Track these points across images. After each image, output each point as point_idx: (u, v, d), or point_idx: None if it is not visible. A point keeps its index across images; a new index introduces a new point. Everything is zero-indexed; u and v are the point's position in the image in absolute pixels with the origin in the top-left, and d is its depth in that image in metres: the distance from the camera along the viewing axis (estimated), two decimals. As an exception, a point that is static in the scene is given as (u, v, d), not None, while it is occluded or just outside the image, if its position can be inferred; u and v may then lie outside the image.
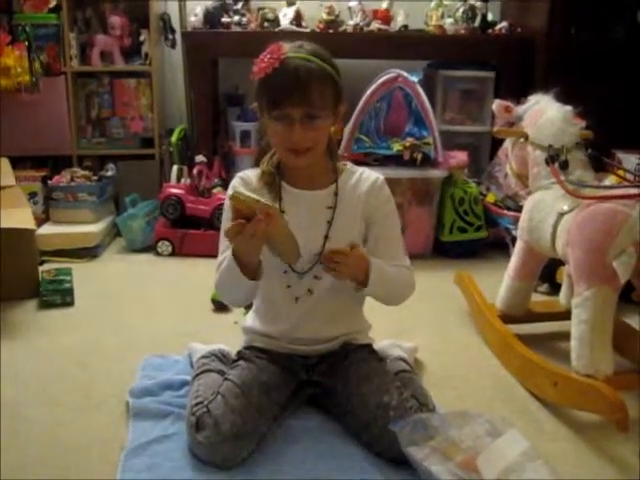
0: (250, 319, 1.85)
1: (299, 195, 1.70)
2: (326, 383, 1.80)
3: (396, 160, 3.14)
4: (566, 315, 2.29)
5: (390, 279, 1.68)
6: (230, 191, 1.70)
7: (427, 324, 2.46)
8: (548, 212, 2.07)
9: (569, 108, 2.19)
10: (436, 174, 3.17)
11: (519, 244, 2.29)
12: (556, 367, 1.93)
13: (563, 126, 2.14)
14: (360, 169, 1.78)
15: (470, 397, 1.98)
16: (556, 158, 2.08)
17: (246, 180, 1.72)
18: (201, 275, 2.93)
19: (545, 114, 2.18)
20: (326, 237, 1.68)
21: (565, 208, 2.00)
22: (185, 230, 3.25)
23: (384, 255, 1.69)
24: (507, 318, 2.33)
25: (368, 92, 3.11)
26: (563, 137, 2.12)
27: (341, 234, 1.68)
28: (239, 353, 1.82)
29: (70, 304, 2.62)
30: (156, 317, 2.52)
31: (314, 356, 1.81)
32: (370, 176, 1.75)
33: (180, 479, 1.54)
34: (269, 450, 1.64)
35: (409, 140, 3.11)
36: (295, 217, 1.64)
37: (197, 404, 1.64)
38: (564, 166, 2.07)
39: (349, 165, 1.78)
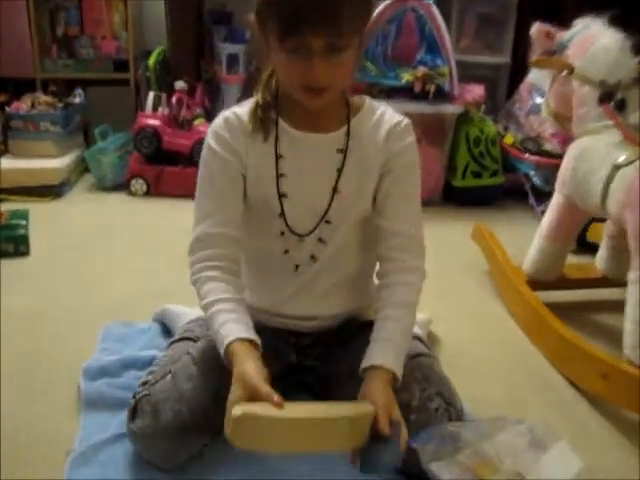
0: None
1: (301, 138, 1.32)
2: (322, 370, 1.46)
3: (405, 92, 2.79)
4: (603, 282, 2.06)
5: (408, 338, 1.32)
6: (212, 142, 1.30)
7: (440, 287, 2.10)
8: (599, 163, 1.71)
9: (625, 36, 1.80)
10: (450, 109, 2.84)
11: (557, 199, 1.93)
12: (605, 355, 1.59)
13: (620, 57, 1.77)
14: (382, 107, 1.37)
15: (496, 385, 1.67)
16: (611, 96, 1.70)
17: (232, 123, 1.30)
18: (180, 219, 2.51)
19: (597, 42, 1.79)
20: (334, 190, 1.31)
21: (622, 159, 1.64)
22: (162, 166, 2.91)
23: (391, 217, 1.32)
24: (536, 284, 1.99)
25: (376, 12, 2.72)
26: (619, 70, 1.76)
27: (353, 186, 1.31)
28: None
29: (24, 254, 2.29)
30: (125, 271, 2.20)
31: (308, 335, 1.46)
32: (393, 117, 1.35)
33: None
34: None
35: (421, 69, 2.76)
36: (295, 165, 1.29)
37: (143, 384, 1.32)
38: (620, 106, 1.71)
39: (367, 101, 1.38)
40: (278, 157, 1.29)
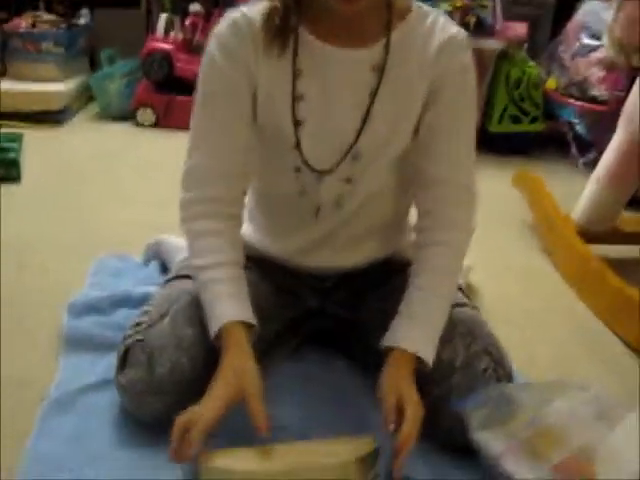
0: (245, 225, 1.22)
1: (327, 52, 1.05)
2: (348, 317, 1.24)
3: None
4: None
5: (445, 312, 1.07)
6: (215, 51, 1.04)
7: (478, 238, 1.85)
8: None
9: None
10: (492, 45, 2.59)
11: (620, 137, 1.68)
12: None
13: None
14: (434, 13, 1.08)
15: (542, 343, 1.46)
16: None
17: (241, 28, 1.02)
18: None
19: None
20: (366, 117, 1.05)
21: None
22: (172, 95, 2.67)
23: (436, 159, 1.06)
24: (586, 235, 1.75)
25: None
26: None
27: (390, 113, 1.05)
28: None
29: (15, 180, 2.07)
30: (125, 203, 2.00)
31: (331, 277, 1.22)
32: (448, 28, 1.06)
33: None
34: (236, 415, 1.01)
35: (461, -2, 2.48)
36: (317, 84, 1.03)
37: (136, 326, 1.09)
38: None
39: (415, 5, 1.08)
40: (296, 74, 1.03)
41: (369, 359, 1.13)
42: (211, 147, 1.05)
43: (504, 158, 2.60)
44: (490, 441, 0.99)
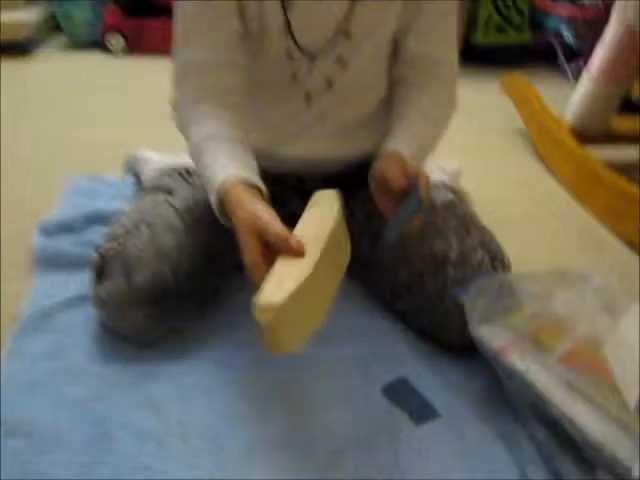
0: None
1: None
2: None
3: None
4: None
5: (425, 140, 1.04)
6: None
7: (466, 145, 1.80)
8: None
9: None
10: None
11: (615, 29, 1.59)
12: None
13: None
14: None
15: (541, 247, 1.40)
16: None
17: None
18: (161, 78, 2.21)
19: None
20: None
21: None
22: (142, 19, 2.52)
23: (422, 35, 1.01)
24: (581, 138, 1.68)
25: None
26: None
27: None
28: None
29: None
30: (95, 127, 1.89)
31: (316, 178, 1.14)
32: None
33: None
34: (221, 326, 1.05)
35: None
36: None
37: (111, 236, 1.02)
38: None
39: None
40: None
41: (356, 265, 1.04)
42: (203, 40, 0.95)
43: (490, 70, 2.50)
44: (492, 335, 0.94)
